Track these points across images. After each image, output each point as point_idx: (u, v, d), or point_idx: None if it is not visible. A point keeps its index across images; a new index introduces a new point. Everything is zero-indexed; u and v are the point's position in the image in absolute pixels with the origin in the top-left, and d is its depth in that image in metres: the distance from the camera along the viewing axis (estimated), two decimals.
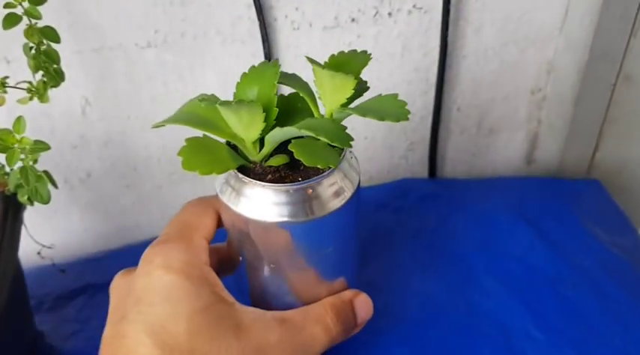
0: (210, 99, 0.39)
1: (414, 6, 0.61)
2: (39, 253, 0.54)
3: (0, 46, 0.54)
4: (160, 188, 0.68)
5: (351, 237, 0.44)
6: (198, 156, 0.38)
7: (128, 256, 0.63)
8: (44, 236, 0.56)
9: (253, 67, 0.41)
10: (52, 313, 0.57)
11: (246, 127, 0.38)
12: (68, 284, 0.59)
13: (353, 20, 0.61)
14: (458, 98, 0.70)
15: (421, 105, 0.70)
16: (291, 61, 0.62)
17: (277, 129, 0.38)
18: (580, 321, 0.53)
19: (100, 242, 0.69)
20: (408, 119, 0.38)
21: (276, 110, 0.39)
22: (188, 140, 0.38)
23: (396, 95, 0.40)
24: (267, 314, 0.39)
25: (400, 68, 0.66)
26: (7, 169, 0.49)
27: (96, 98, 0.59)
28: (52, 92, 0.47)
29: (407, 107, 0.40)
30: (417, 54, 0.65)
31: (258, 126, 0.38)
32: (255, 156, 0.40)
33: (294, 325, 0.39)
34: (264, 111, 0.37)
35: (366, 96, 0.42)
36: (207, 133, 0.40)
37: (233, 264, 0.45)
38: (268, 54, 0.60)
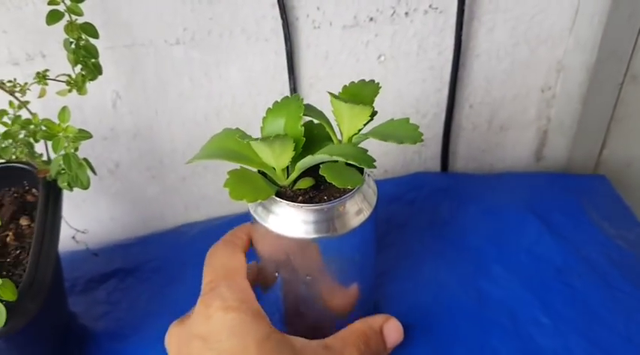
0: (239, 134, 0.44)
1: (429, 6, 0.64)
2: (73, 237, 0.57)
3: (37, 41, 0.57)
4: (184, 180, 0.71)
5: (370, 250, 0.49)
6: (242, 185, 0.42)
7: (155, 243, 0.67)
8: (73, 223, 0.59)
9: (277, 102, 0.45)
10: (84, 295, 0.60)
11: (278, 157, 0.43)
12: (99, 268, 0.63)
13: (371, 19, 0.63)
14: (470, 96, 0.73)
15: (434, 102, 0.72)
16: (311, 59, 0.65)
17: (309, 157, 0.42)
18: (585, 309, 0.56)
19: (126, 230, 0.73)
20: (422, 141, 0.43)
21: (303, 139, 0.44)
22: (230, 172, 0.43)
23: (407, 119, 0.45)
24: (312, 342, 0.45)
25: (415, 66, 0.68)
26: (44, 157, 0.53)
27: (126, 92, 0.62)
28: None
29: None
30: (432, 53, 0.68)
31: (289, 155, 0.42)
32: (283, 181, 0.45)
33: (335, 351, 0.45)
34: (293, 142, 0.42)
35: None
36: (241, 165, 0.44)
37: (266, 284, 0.49)
38: (290, 51, 0.63)
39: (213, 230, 0.68)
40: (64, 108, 0.45)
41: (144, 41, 0.60)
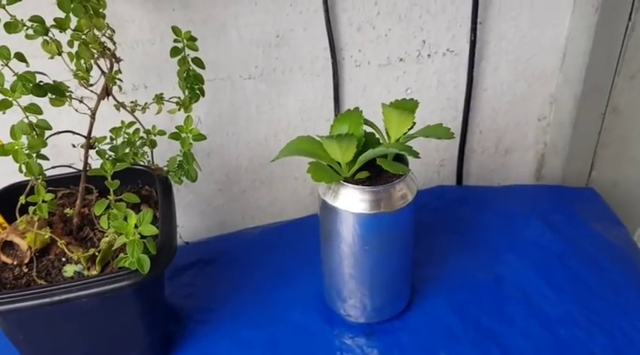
0: (311, 138, 0.59)
1: (447, 49, 0.80)
2: None
3: (141, 75, 0.73)
4: (244, 192, 0.86)
5: (410, 229, 0.63)
6: (320, 172, 0.57)
7: (225, 241, 0.80)
8: None
9: (341, 113, 0.60)
10: (170, 281, 0.73)
11: (344, 152, 0.57)
12: (181, 260, 0.76)
13: (401, 60, 0.80)
14: (480, 123, 0.88)
15: (451, 128, 0.87)
16: (352, 91, 0.81)
17: (370, 150, 0.56)
18: (581, 284, 0.70)
19: (192, 237, 0.86)
20: (454, 137, 0.58)
21: (363, 139, 0.58)
22: (311, 163, 0.57)
23: (440, 123, 0.60)
24: None
25: (435, 98, 0.84)
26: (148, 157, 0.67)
27: (206, 117, 0.78)
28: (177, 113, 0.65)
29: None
30: (449, 87, 0.84)
31: (353, 150, 0.56)
32: (346, 173, 0.59)
33: None
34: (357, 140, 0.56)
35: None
36: (314, 159, 0.58)
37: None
38: (336, 85, 0.79)
39: (271, 231, 0.82)
40: (188, 117, 0.60)
41: (224, 76, 0.75)
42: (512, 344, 0.63)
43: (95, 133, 0.64)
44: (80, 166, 0.60)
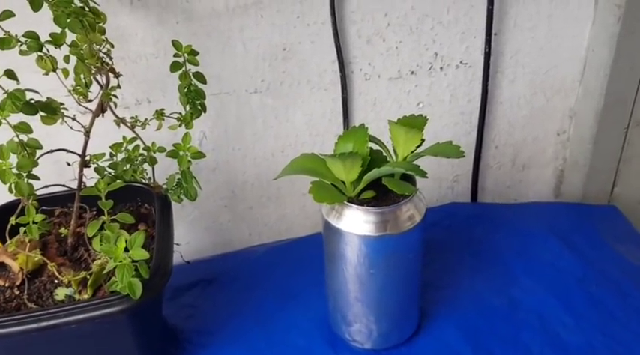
0: (315, 156, 0.57)
1: (460, 62, 0.77)
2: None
3: (145, 89, 0.71)
4: (251, 208, 0.83)
5: (419, 252, 0.60)
6: (322, 192, 0.54)
7: (229, 260, 0.78)
8: None
9: (346, 130, 0.57)
10: (172, 302, 0.71)
11: (349, 171, 0.54)
12: (183, 279, 0.73)
13: (412, 73, 0.77)
14: (496, 138, 0.85)
15: (465, 143, 0.84)
16: (362, 105, 0.78)
17: (375, 170, 0.54)
18: (602, 310, 0.66)
19: (198, 254, 0.84)
20: (464, 156, 0.55)
21: (368, 158, 0.55)
22: (313, 182, 0.55)
23: (450, 141, 0.57)
24: None
25: (448, 112, 0.81)
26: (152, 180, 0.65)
27: (211, 132, 0.76)
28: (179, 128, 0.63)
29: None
30: (462, 101, 0.81)
31: (357, 169, 0.54)
32: (351, 192, 0.56)
33: None
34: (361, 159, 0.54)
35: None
36: (318, 178, 0.56)
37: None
38: (345, 99, 0.76)
39: (276, 250, 0.80)
40: (186, 134, 0.58)
41: (229, 90, 0.73)
42: None
43: (98, 149, 0.62)
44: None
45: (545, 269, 0.71)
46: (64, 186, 0.59)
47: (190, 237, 0.84)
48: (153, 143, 0.62)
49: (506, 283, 0.70)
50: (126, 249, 0.48)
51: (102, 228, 0.52)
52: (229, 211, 0.83)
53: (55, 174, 0.62)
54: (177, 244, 0.69)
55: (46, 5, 0.49)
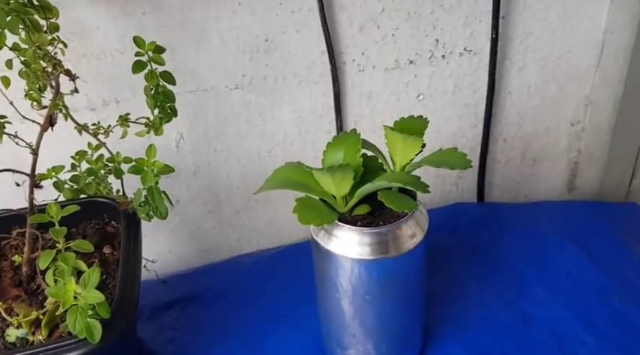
0: (300, 167, 0.49)
1: (464, 49, 0.70)
2: (144, 266, 0.62)
3: (112, 88, 0.64)
4: (238, 213, 0.76)
5: (422, 272, 0.53)
6: (308, 212, 0.47)
7: (213, 272, 0.71)
8: None
9: (336, 137, 0.50)
10: (150, 322, 0.65)
11: (339, 185, 0.47)
12: (163, 297, 0.67)
13: (411, 62, 0.69)
14: (504, 130, 0.78)
15: (470, 136, 0.77)
16: (356, 99, 0.71)
17: (369, 184, 0.47)
18: (626, 327, 0.59)
19: (181, 263, 0.77)
20: (471, 166, 0.48)
21: (361, 169, 0.48)
22: (297, 200, 0.48)
23: (455, 148, 0.50)
24: None
25: (452, 104, 0.74)
26: (120, 193, 0.58)
27: (189, 133, 0.68)
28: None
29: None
30: (467, 91, 0.73)
31: (349, 183, 0.47)
32: (343, 208, 0.49)
33: None
34: (353, 171, 0.46)
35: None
36: (304, 193, 0.49)
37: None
38: (337, 93, 0.69)
39: (265, 260, 0.73)
40: (151, 146, 0.50)
41: (207, 87, 0.66)
42: None
43: (64, 156, 0.55)
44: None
45: (560, 279, 0.65)
46: (10, 210, 0.52)
47: (172, 246, 0.77)
48: (117, 153, 0.55)
49: (518, 296, 0.64)
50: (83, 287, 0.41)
51: (56, 258, 0.45)
52: (214, 217, 0.76)
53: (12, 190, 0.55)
54: (153, 261, 0.63)
55: None
